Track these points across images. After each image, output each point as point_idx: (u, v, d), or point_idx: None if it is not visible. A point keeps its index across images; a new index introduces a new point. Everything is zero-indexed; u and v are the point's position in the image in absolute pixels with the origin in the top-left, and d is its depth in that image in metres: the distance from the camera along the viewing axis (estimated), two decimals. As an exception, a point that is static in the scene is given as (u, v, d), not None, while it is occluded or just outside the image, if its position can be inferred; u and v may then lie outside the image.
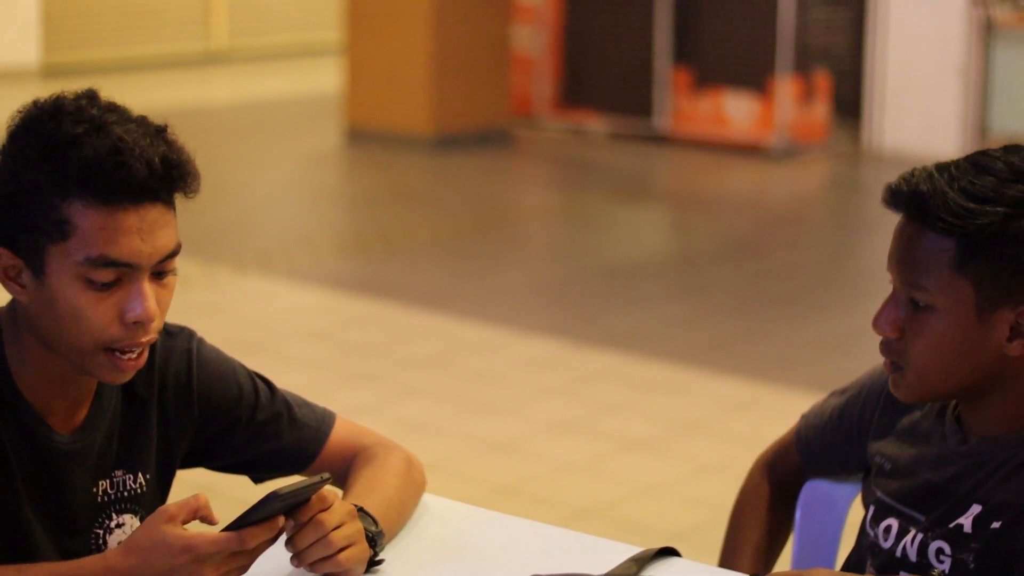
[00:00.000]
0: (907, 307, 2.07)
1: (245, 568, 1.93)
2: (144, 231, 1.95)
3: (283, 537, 1.98)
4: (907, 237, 2.06)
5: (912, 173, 2.06)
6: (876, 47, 10.73)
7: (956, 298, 2.03)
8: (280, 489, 1.90)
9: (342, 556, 2.01)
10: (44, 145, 1.95)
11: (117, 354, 2.00)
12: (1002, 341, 2.04)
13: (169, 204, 1.99)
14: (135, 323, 1.98)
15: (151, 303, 1.97)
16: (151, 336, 2.00)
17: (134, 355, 2.01)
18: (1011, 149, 2.06)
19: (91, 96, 2.00)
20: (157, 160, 1.95)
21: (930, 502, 2.14)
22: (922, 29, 10.49)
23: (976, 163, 2.04)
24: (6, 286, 2.02)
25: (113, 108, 2.00)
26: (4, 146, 2.00)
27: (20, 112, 2.00)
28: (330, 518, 2.00)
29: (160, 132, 1.98)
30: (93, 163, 1.93)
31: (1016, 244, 2.00)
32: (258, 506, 1.89)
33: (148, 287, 1.98)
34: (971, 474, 2.11)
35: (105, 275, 1.95)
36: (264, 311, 7.02)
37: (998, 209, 1.99)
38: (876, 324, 2.09)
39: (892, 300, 2.09)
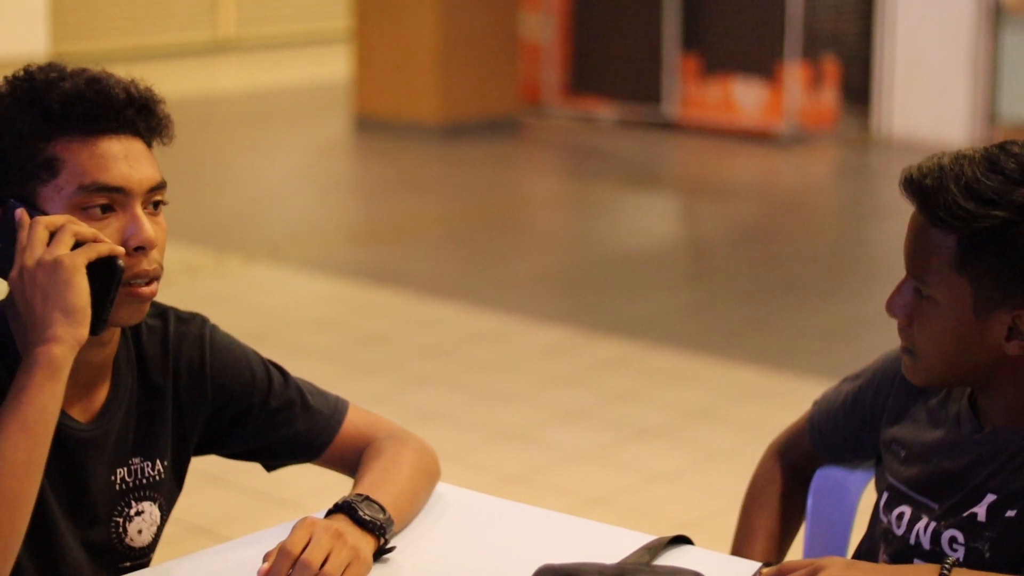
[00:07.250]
0: (915, 295, 2.08)
1: None
2: (130, 159, 2.02)
3: None
4: (915, 228, 2.06)
5: (928, 163, 2.04)
6: (885, 33, 10.70)
7: (955, 295, 2.03)
8: None
9: None
10: (22, 97, 2.02)
11: (129, 285, 2.02)
12: (1000, 340, 2.04)
13: (148, 144, 2.06)
14: (137, 249, 2.01)
15: (148, 228, 2.02)
16: (154, 266, 2.04)
17: (143, 282, 2.03)
18: None
19: (55, 61, 2.09)
20: (134, 89, 2.05)
21: (944, 490, 2.13)
22: (931, 14, 10.46)
23: (991, 159, 2.01)
24: None
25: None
26: None
27: None
28: (314, 555, 1.97)
29: (133, 80, 2.07)
30: (73, 94, 2.00)
31: (1015, 249, 1.98)
32: None
33: (143, 215, 2.03)
34: (985, 463, 2.10)
35: (99, 199, 2.00)
36: (273, 300, 7.01)
37: (999, 213, 1.97)
38: (888, 307, 2.11)
39: (903, 285, 2.10)
